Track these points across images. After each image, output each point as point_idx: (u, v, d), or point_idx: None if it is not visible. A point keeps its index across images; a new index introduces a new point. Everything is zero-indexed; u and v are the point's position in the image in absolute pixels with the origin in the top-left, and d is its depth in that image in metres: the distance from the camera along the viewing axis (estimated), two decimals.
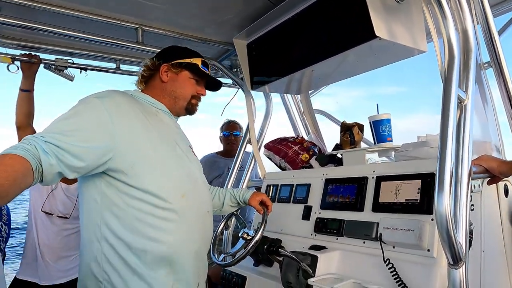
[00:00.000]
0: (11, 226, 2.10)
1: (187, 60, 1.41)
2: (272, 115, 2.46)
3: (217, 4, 1.82)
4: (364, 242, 1.41)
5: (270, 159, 2.25)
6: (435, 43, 1.23)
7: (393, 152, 1.75)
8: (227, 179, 2.32)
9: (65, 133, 1.06)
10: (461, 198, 1.06)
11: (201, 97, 1.47)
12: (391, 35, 1.37)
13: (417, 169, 1.36)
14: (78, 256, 1.62)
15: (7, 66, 1.95)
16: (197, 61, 1.43)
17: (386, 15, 1.38)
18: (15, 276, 2.09)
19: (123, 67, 2.35)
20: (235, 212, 1.73)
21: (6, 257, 2.06)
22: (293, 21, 1.76)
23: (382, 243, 1.30)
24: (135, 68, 2.44)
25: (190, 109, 1.45)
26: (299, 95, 2.51)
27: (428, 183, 1.29)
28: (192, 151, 1.47)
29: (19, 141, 1.97)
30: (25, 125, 2.00)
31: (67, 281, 2.05)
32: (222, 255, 1.67)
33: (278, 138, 2.27)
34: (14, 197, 0.95)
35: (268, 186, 2.10)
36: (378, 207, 1.42)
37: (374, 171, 1.53)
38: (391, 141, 1.78)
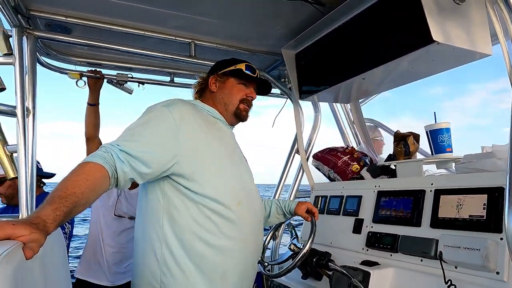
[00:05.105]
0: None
1: (231, 68, 1.46)
2: (320, 124, 2.42)
3: (265, 16, 1.85)
4: (421, 260, 1.32)
5: (319, 169, 2.21)
6: (503, 45, 1.12)
7: (453, 164, 1.62)
8: (275, 189, 2.31)
9: (137, 141, 1.14)
10: None
11: (252, 101, 1.48)
12: (450, 39, 1.29)
13: (483, 182, 1.24)
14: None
15: (76, 82, 2.15)
16: (241, 66, 1.46)
17: (444, 18, 1.30)
18: (76, 277, 2.23)
19: (176, 80, 2.46)
20: (289, 222, 1.73)
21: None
22: (343, 28, 1.73)
23: (442, 262, 1.20)
24: (188, 81, 2.54)
25: (239, 114, 1.45)
26: (348, 104, 2.45)
27: (495, 198, 1.17)
28: (246, 160, 1.50)
29: (87, 150, 2.15)
30: (93, 136, 2.17)
31: (126, 282, 2.17)
32: (268, 265, 1.65)
33: (327, 148, 2.22)
34: (93, 202, 1.07)
35: (317, 197, 2.06)
36: (438, 222, 1.32)
37: (432, 184, 1.42)
38: (451, 151, 1.65)
